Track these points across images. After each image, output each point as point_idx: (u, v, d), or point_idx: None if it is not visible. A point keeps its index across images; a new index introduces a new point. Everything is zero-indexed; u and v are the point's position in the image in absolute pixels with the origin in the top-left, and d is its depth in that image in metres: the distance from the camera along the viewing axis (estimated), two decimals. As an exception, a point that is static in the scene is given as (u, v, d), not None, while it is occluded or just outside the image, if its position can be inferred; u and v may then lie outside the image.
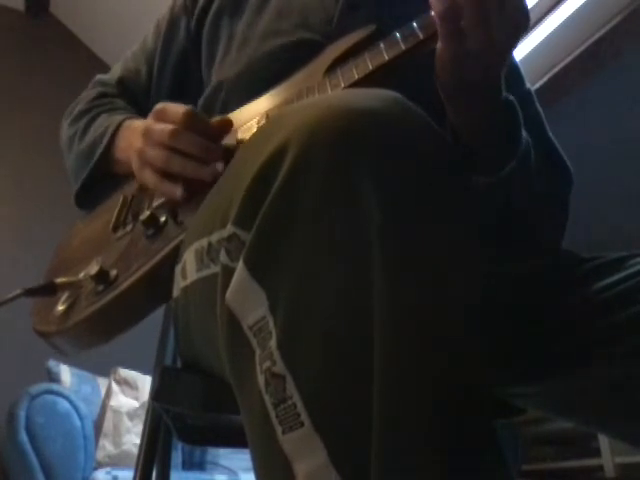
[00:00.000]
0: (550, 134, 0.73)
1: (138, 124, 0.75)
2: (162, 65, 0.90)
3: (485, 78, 0.56)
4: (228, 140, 0.70)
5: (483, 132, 0.59)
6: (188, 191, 0.64)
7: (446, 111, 0.60)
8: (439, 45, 0.55)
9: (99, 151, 0.79)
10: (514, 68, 0.77)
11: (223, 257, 0.42)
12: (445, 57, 0.54)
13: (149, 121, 0.68)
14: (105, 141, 0.79)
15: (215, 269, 0.45)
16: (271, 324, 0.36)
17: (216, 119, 0.68)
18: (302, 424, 0.33)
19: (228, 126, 0.67)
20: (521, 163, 0.61)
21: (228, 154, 0.63)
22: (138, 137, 0.69)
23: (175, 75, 0.90)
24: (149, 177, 0.67)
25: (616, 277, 0.57)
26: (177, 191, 0.64)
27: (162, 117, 0.66)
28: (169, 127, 0.64)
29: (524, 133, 0.61)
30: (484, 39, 0.52)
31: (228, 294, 0.39)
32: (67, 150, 0.89)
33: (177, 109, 0.65)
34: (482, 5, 0.50)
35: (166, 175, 0.65)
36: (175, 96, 0.86)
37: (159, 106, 0.68)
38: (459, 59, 0.54)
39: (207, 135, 0.64)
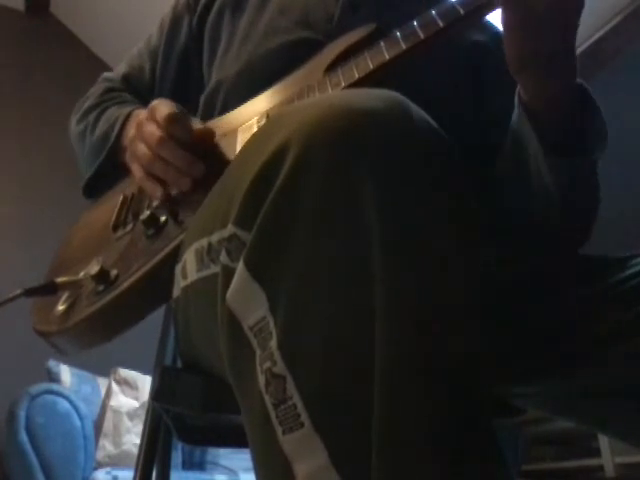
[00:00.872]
0: None
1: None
2: (165, 63, 0.91)
3: (563, 42, 0.54)
4: (227, 140, 0.70)
5: (564, 109, 0.57)
6: (168, 194, 0.67)
7: (519, 91, 0.58)
8: (503, 14, 0.53)
9: (111, 140, 0.80)
10: None
11: (223, 257, 0.41)
12: (512, 25, 0.53)
13: (143, 115, 0.70)
14: (116, 129, 0.80)
15: (215, 269, 0.45)
16: (271, 324, 0.36)
17: (199, 128, 0.69)
18: (302, 425, 0.33)
19: (209, 137, 0.69)
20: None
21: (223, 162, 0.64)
22: (133, 128, 0.71)
23: (177, 73, 0.90)
24: (136, 170, 0.70)
25: (618, 277, 0.57)
26: (157, 191, 0.67)
27: (152, 115, 0.68)
28: (157, 133, 0.66)
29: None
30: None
31: (228, 295, 0.39)
32: (79, 145, 0.90)
33: (163, 110, 0.66)
34: None
35: (150, 173, 0.68)
36: (178, 94, 0.86)
37: (154, 102, 0.69)
38: (530, 25, 0.52)
39: (187, 142, 0.66)
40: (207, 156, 0.66)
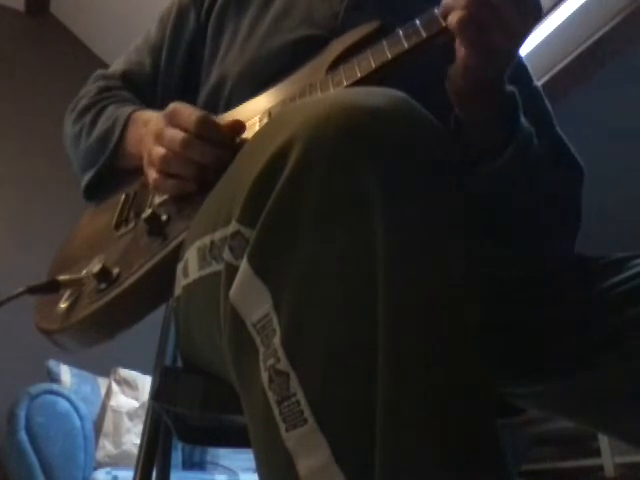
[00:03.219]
0: (559, 131, 0.74)
1: (148, 117, 0.75)
2: (171, 56, 0.89)
3: (505, 71, 0.58)
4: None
5: (490, 124, 0.61)
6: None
7: (456, 111, 0.61)
8: (463, 53, 0.56)
9: (111, 144, 0.78)
10: (521, 66, 0.77)
11: (227, 254, 0.41)
12: (470, 63, 0.56)
13: (161, 123, 0.67)
14: (117, 133, 0.78)
15: (217, 267, 0.45)
16: (275, 321, 0.36)
17: (228, 122, 0.66)
18: (305, 421, 0.33)
19: (240, 128, 0.66)
20: (521, 152, 0.61)
21: None
22: (150, 138, 0.68)
23: (185, 66, 0.88)
24: (151, 174, 0.67)
25: (618, 278, 0.57)
26: (174, 188, 0.66)
27: (174, 121, 0.65)
28: (180, 135, 0.63)
29: (525, 123, 0.62)
30: (507, 35, 0.54)
31: (232, 292, 0.39)
32: (74, 147, 0.87)
33: (190, 114, 0.64)
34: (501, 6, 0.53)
35: (170, 175, 0.66)
36: (184, 86, 0.86)
37: (171, 108, 0.67)
38: (485, 61, 0.55)
39: (219, 141, 0.63)
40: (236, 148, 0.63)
